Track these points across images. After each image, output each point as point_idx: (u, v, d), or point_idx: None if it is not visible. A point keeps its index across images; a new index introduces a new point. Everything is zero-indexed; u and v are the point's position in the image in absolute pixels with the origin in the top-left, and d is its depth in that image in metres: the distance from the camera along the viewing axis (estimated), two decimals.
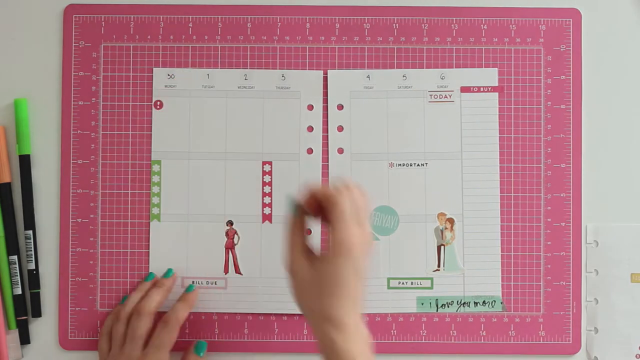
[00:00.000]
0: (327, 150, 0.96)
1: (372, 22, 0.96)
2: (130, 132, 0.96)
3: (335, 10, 0.96)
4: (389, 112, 0.96)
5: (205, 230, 0.95)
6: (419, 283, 0.95)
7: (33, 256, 0.95)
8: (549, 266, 0.95)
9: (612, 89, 0.96)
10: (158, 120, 0.96)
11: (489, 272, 0.95)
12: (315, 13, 0.96)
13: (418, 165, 0.96)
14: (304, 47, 0.96)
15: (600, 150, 0.96)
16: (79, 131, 0.96)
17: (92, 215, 0.95)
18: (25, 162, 0.95)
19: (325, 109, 0.96)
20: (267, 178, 0.96)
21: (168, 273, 0.94)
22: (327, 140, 0.96)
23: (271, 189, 0.96)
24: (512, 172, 0.96)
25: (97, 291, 0.95)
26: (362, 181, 0.95)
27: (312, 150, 0.96)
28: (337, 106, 0.96)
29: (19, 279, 0.94)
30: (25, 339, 0.95)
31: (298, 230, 0.81)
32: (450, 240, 0.95)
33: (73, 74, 0.96)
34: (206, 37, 0.96)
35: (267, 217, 0.96)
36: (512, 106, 0.96)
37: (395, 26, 0.96)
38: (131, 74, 0.96)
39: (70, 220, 0.95)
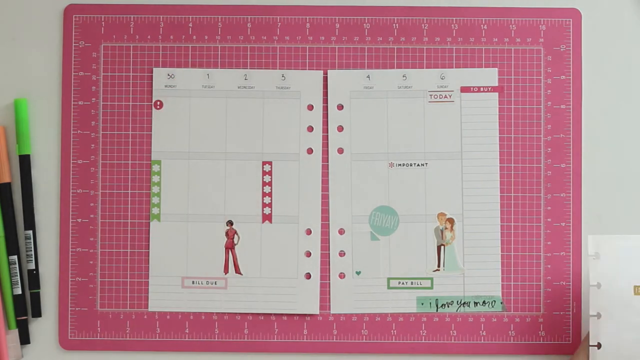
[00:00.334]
0: (327, 150, 0.96)
1: (372, 22, 0.96)
2: (130, 132, 0.96)
3: (335, 10, 0.96)
4: (389, 112, 0.96)
5: (205, 230, 0.95)
6: (419, 283, 0.95)
7: (33, 256, 0.95)
8: (549, 266, 0.95)
9: (612, 89, 0.96)
10: (158, 120, 0.96)
11: (489, 272, 0.95)
12: (315, 13, 0.96)
13: (418, 165, 0.96)
14: (304, 47, 0.96)
15: (600, 150, 0.96)
16: (79, 131, 0.96)
17: (92, 215, 0.95)
18: (25, 162, 0.95)
19: (325, 109, 0.96)
20: (267, 178, 0.96)
21: None
22: (327, 140, 0.96)
23: (271, 189, 0.96)
24: (512, 172, 0.96)
25: (97, 291, 0.95)
26: (362, 181, 0.96)
27: (312, 150, 0.96)
28: (337, 106, 0.96)
29: (19, 279, 0.94)
30: (25, 339, 0.95)
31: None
32: (450, 240, 0.95)
33: (73, 74, 0.96)
34: (206, 37, 0.96)
35: (267, 217, 0.96)
36: (512, 106, 0.96)
37: (395, 26, 0.96)
38: (131, 74, 0.96)
39: (70, 220, 0.95)
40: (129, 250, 0.95)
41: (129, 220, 0.95)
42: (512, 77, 0.96)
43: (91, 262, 0.95)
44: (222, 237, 0.96)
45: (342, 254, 0.95)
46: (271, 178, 0.96)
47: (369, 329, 0.95)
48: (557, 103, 0.96)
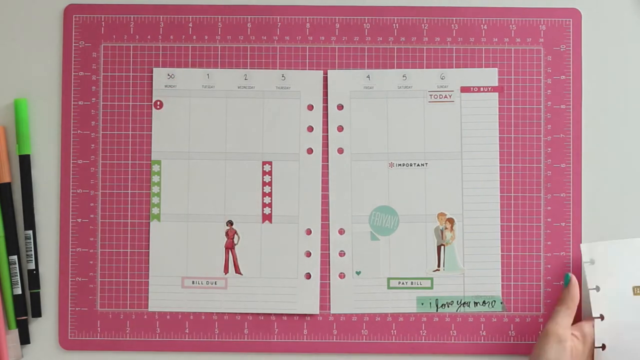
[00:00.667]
0: (327, 150, 0.96)
1: (372, 22, 0.96)
2: (130, 132, 0.96)
3: (335, 10, 0.96)
4: (389, 112, 0.96)
5: (205, 230, 0.95)
6: (419, 283, 0.95)
7: (33, 256, 0.95)
8: (549, 266, 0.95)
9: (612, 89, 0.96)
10: (158, 120, 0.96)
11: (489, 272, 0.95)
12: (315, 13, 0.96)
13: (418, 165, 0.96)
14: (304, 47, 0.96)
15: (600, 150, 0.96)
16: (79, 131, 0.96)
17: (92, 215, 0.95)
18: (25, 162, 0.95)
19: (325, 109, 0.96)
20: (267, 178, 0.96)
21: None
22: (327, 140, 0.96)
23: (271, 189, 0.96)
24: (512, 172, 0.96)
25: (97, 291, 0.95)
26: (362, 181, 0.96)
27: (312, 150, 0.96)
28: (337, 106, 0.96)
29: (19, 279, 0.94)
30: (25, 339, 0.95)
31: (568, 302, 0.91)
32: (450, 240, 0.95)
33: (73, 74, 0.96)
34: (206, 37, 0.96)
35: (267, 217, 0.96)
36: (512, 106, 0.96)
37: (395, 26, 0.96)
38: (131, 74, 0.96)
39: (70, 220, 0.95)
40: (129, 250, 0.95)
41: (129, 220, 0.95)
42: (512, 77, 0.96)
43: (91, 262, 0.95)
44: (222, 237, 0.96)
45: (342, 254, 0.95)
46: (271, 178, 0.96)
47: (369, 329, 0.95)
48: (557, 103, 0.96)
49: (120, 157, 0.96)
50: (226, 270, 0.95)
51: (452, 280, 0.95)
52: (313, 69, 0.96)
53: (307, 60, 0.96)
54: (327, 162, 0.96)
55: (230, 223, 0.95)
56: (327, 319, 0.95)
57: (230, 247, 0.95)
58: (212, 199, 0.96)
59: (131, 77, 0.96)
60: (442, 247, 0.95)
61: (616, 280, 0.91)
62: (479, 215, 0.95)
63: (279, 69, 0.96)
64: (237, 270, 0.95)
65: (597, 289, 0.91)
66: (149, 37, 0.96)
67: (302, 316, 0.95)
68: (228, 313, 0.95)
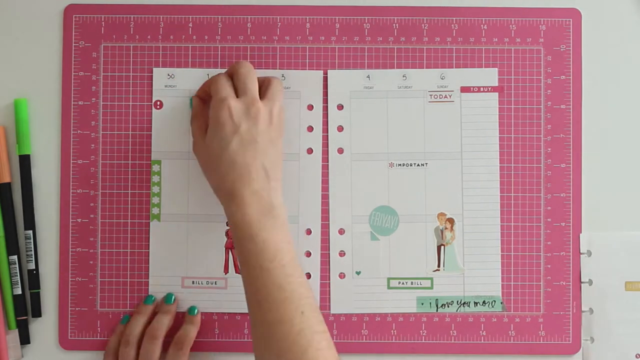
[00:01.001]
0: (327, 150, 0.96)
1: (372, 22, 0.96)
2: (130, 132, 0.96)
3: (335, 10, 0.96)
4: (389, 112, 0.96)
5: (205, 230, 0.95)
6: (419, 283, 0.95)
7: (33, 256, 0.95)
8: (549, 266, 0.95)
9: (612, 89, 0.96)
10: (158, 120, 0.96)
11: (489, 272, 0.95)
12: (315, 13, 0.96)
13: (418, 165, 0.96)
14: (304, 47, 0.96)
15: (600, 150, 0.96)
16: (79, 131, 0.96)
17: (92, 215, 0.95)
18: (25, 162, 0.95)
19: (325, 109, 0.96)
20: None
21: (169, 299, 0.93)
22: (327, 140, 0.96)
23: None
24: (512, 172, 0.96)
25: (97, 291, 0.95)
26: (362, 181, 0.95)
27: (312, 150, 0.96)
28: (337, 106, 0.96)
29: (19, 279, 0.94)
30: (25, 339, 0.95)
31: (199, 118, 0.91)
32: (450, 240, 0.95)
33: (73, 74, 0.96)
34: (206, 37, 0.96)
35: None
36: (512, 106, 0.96)
37: (395, 26, 0.96)
38: (131, 74, 0.96)
39: (70, 220, 0.95)
40: (129, 250, 0.95)
41: (129, 220, 0.95)
42: (512, 77, 0.96)
43: (91, 262, 0.95)
44: (222, 237, 0.95)
45: (342, 254, 0.95)
46: None
47: (369, 329, 0.95)
48: (557, 103, 0.96)
49: (120, 157, 0.96)
50: (226, 270, 0.95)
51: (452, 280, 0.95)
52: (313, 69, 0.96)
53: (307, 60, 0.96)
54: (327, 162, 0.96)
55: None
56: (327, 319, 0.95)
57: (230, 247, 0.95)
58: (212, 199, 0.95)
59: (131, 77, 0.96)
60: (442, 247, 0.95)
61: (610, 275, 0.93)
62: (479, 215, 0.95)
63: (279, 69, 0.96)
64: (237, 270, 0.95)
65: (590, 282, 0.93)
66: (149, 37, 0.96)
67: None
68: (228, 313, 0.95)
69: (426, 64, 0.96)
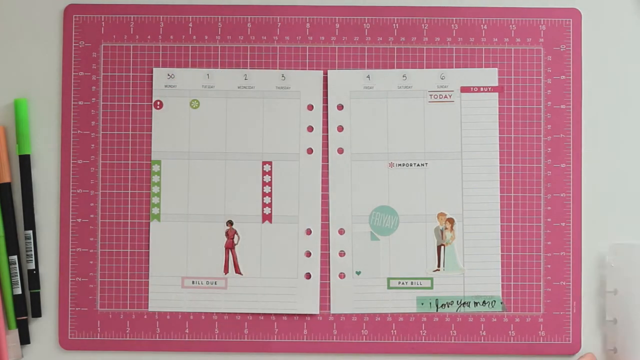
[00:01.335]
0: (327, 150, 0.96)
1: (372, 22, 0.96)
2: (130, 132, 0.96)
3: (335, 10, 0.96)
4: (389, 112, 0.96)
5: (205, 230, 0.95)
6: (419, 283, 0.95)
7: (33, 256, 0.95)
8: (549, 266, 0.95)
9: (612, 89, 0.96)
10: (158, 120, 0.96)
11: (489, 272, 0.95)
12: (315, 13, 0.96)
13: (418, 165, 0.96)
14: (304, 47, 0.96)
15: (600, 150, 0.96)
16: (79, 131, 0.96)
17: (92, 215, 0.95)
18: (25, 162, 0.95)
19: (325, 109, 0.96)
20: (267, 178, 0.96)
21: None
22: (327, 140, 0.96)
23: (271, 189, 0.96)
24: (512, 172, 0.96)
25: (97, 291, 0.95)
26: (362, 181, 0.96)
27: (312, 150, 0.96)
28: (337, 106, 0.96)
29: (18, 279, 0.94)
30: (25, 339, 0.95)
31: None
32: (450, 240, 0.95)
33: (73, 74, 0.96)
34: (206, 37, 0.96)
35: (267, 217, 0.96)
36: (512, 106, 0.96)
37: (395, 26, 0.96)
38: (131, 74, 0.96)
39: (70, 220, 0.95)
40: (129, 250, 0.95)
41: (129, 220, 0.95)
42: (512, 77, 0.96)
43: (91, 262, 0.95)
44: (222, 237, 0.96)
45: (342, 254, 0.95)
46: (271, 178, 0.96)
47: (369, 329, 0.95)
48: (557, 103, 0.96)
49: (120, 157, 0.96)
50: (226, 270, 0.95)
51: (452, 280, 0.95)
52: (313, 69, 0.96)
53: (307, 60, 0.96)
54: (327, 162, 0.96)
55: (230, 223, 0.95)
56: (327, 319, 0.95)
57: (230, 247, 0.96)
58: (212, 199, 0.96)
59: (131, 77, 0.96)
60: (442, 247, 0.95)
61: (636, 284, 0.91)
62: (479, 215, 0.95)
63: (279, 69, 0.96)
64: (237, 270, 0.95)
65: (615, 292, 0.91)
66: (149, 37, 0.96)
67: (302, 316, 0.95)
68: (228, 313, 0.95)
69: (426, 64, 0.96)
